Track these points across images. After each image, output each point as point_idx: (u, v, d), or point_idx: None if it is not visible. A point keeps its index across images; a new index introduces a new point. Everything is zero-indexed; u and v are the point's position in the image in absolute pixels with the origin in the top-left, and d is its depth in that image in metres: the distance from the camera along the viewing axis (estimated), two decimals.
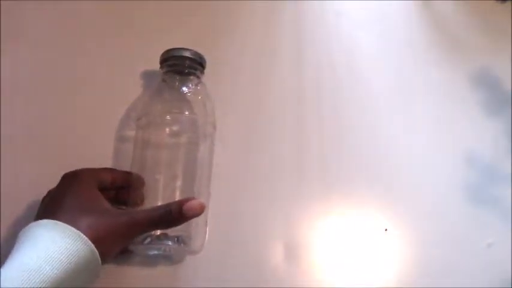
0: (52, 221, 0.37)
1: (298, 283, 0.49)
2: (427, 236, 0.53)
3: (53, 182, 0.43)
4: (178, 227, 0.42)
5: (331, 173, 0.55)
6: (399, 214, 0.53)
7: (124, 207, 0.46)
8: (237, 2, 0.64)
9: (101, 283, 0.40)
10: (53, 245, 0.35)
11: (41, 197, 0.44)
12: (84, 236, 0.36)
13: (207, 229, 0.47)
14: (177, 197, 0.45)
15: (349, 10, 0.67)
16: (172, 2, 0.62)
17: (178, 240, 0.44)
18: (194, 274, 0.48)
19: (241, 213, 0.51)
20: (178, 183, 0.46)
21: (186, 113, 0.48)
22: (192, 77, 0.49)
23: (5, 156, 0.49)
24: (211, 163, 0.49)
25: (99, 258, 0.37)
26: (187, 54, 0.49)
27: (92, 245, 0.37)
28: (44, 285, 0.33)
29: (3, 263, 0.35)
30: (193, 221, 0.42)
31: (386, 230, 0.52)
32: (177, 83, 0.49)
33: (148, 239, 0.43)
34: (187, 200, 0.40)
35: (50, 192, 0.43)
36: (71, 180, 0.42)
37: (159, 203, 0.43)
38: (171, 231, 0.44)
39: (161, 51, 0.50)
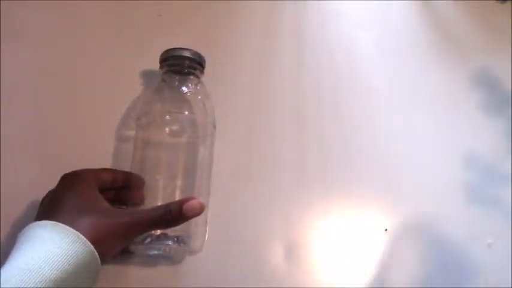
0: (51, 221, 0.37)
1: (298, 283, 0.49)
2: (427, 236, 0.53)
3: (52, 182, 0.43)
4: (178, 227, 0.42)
5: (331, 173, 0.55)
6: (399, 214, 0.53)
7: (124, 207, 0.46)
8: (237, 2, 0.64)
9: (101, 283, 0.40)
10: (52, 245, 0.35)
11: (41, 197, 0.44)
12: (83, 237, 0.36)
13: (207, 229, 0.47)
14: (177, 196, 0.45)
15: (349, 10, 0.67)
16: (172, 2, 0.62)
17: (178, 240, 0.44)
18: (194, 274, 0.48)
19: (241, 213, 0.51)
20: (178, 183, 0.46)
21: (186, 112, 0.48)
22: (191, 77, 0.49)
23: (5, 156, 0.49)
24: (211, 163, 0.49)
25: (99, 259, 0.37)
26: (186, 54, 0.49)
27: (91, 246, 0.37)
28: (43, 286, 0.33)
29: (3, 263, 0.35)
30: (193, 220, 0.42)
31: (386, 230, 0.52)
32: (176, 83, 0.49)
33: (148, 239, 0.43)
34: (187, 199, 0.40)
35: (49, 193, 0.43)
36: (71, 180, 0.42)
37: (159, 203, 0.43)
38: (171, 231, 0.44)
39: (161, 51, 0.50)
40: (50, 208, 0.40)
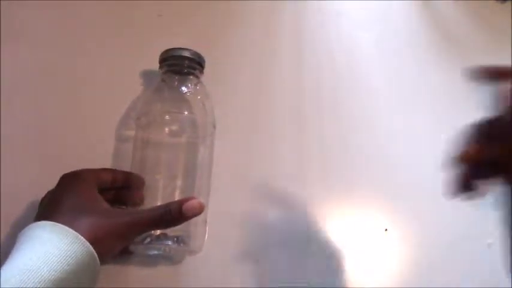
0: (50, 222, 0.37)
1: (298, 283, 0.49)
2: (427, 236, 0.53)
3: (52, 182, 0.43)
4: (178, 227, 0.42)
5: (331, 173, 0.55)
6: (399, 214, 0.53)
7: (124, 208, 0.46)
8: (237, 2, 0.64)
9: (101, 283, 0.40)
10: (51, 246, 0.35)
11: (40, 197, 0.44)
12: (82, 238, 0.36)
13: (207, 229, 0.47)
14: (177, 196, 0.45)
15: (349, 10, 0.67)
16: (172, 2, 0.62)
17: (178, 240, 0.44)
18: (194, 274, 0.48)
19: (241, 213, 0.51)
20: (178, 183, 0.46)
21: (185, 112, 0.48)
22: (191, 77, 0.49)
23: (5, 156, 0.49)
24: (211, 163, 0.49)
25: (98, 260, 0.37)
26: (186, 54, 0.49)
27: (90, 247, 0.37)
28: (42, 286, 0.33)
29: (3, 263, 0.35)
30: (193, 220, 0.42)
31: (386, 230, 0.52)
32: (176, 83, 0.49)
33: (148, 239, 0.43)
34: (186, 199, 0.40)
35: (49, 193, 0.43)
36: (70, 180, 0.42)
37: (159, 203, 0.43)
38: (171, 231, 0.44)
39: (161, 51, 0.50)
40: (49, 208, 0.40)
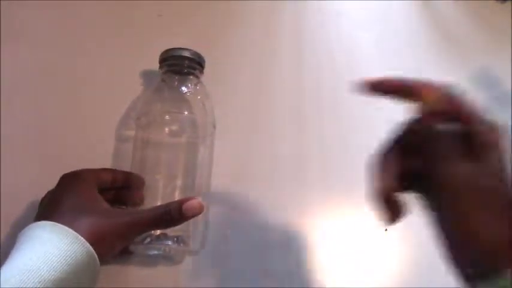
0: (50, 222, 0.37)
1: (298, 283, 0.49)
2: (427, 236, 0.53)
3: (52, 182, 0.43)
4: (178, 227, 0.42)
5: (331, 172, 0.55)
6: None
7: (124, 208, 0.46)
8: (237, 2, 0.64)
9: (101, 283, 0.40)
10: (51, 246, 0.35)
11: (40, 197, 0.44)
12: (82, 238, 0.36)
13: (207, 229, 0.47)
14: (177, 196, 0.45)
15: (349, 10, 0.67)
16: (172, 2, 0.62)
17: (178, 240, 0.44)
18: (194, 274, 0.48)
19: (241, 213, 0.51)
20: (178, 183, 0.46)
21: (185, 112, 0.48)
22: (191, 77, 0.49)
23: (5, 156, 0.49)
24: (211, 163, 0.49)
25: (97, 260, 0.37)
26: (186, 54, 0.49)
27: (90, 247, 0.37)
28: (41, 286, 0.33)
29: (3, 263, 0.35)
30: (193, 220, 0.42)
31: (386, 230, 0.52)
32: (176, 83, 0.49)
33: (148, 239, 0.43)
34: (186, 199, 0.40)
35: (49, 193, 0.43)
36: (70, 180, 0.42)
37: (159, 203, 0.43)
38: (171, 231, 0.44)
39: (161, 51, 0.50)
40: (49, 208, 0.40)
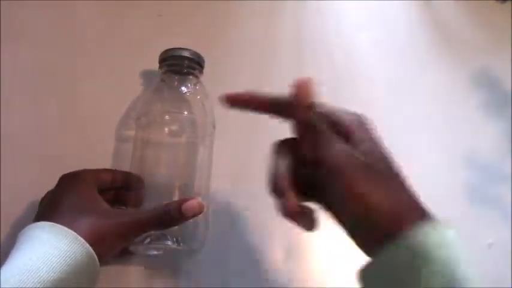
0: (50, 223, 0.37)
1: (298, 283, 0.49)
2: None
3: (52, 182, 0.43)
4: (178, 227, 0.42)
5: None
6: None
7: (123, 208, 0.46)
8: (237, 2, 0.64)
9: (101, 283, 0.40)
10: (50, 247, 0.35)
11: (40, 197, 0.44)
12: (81, 238, 0.36)
13: (207, 229, 0.47)
14: (177, 196, 0.45)
15: (349, 10, 0.67)
16: (172, 2, 0.62)
17: (178, 240, 0.44)
18: (194, 274, 0.48)
19: (241, 213, 0.51)
20: (178, 183, 0.46)
21: (185, 112, 0.48)
22: (190, 77, 0.49)
23: (4, 156, 0.49)
24: (211, 163, 0.49)
25: (97, 260, 0.37)
26: (185, 54, 0.49)
27: (89, 247, 0.37)
28: (41, 286, 0.33)
29: (3, 263, 0.35)
30: (193, 220, 0.42)
31: None
32: (176, 83, 0.49)
33: (148, 239, 0.43)
34: (186, 199, 0.40)
35: (48, 193, 0.43)
36: (70, 181, 0.42)
37: (159, 203, 0.43)
38: (171, 231, 0.44)
39: (161, 51, 0.50)
40: (49, 209, 0.40)
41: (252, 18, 0.64)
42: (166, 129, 0.47)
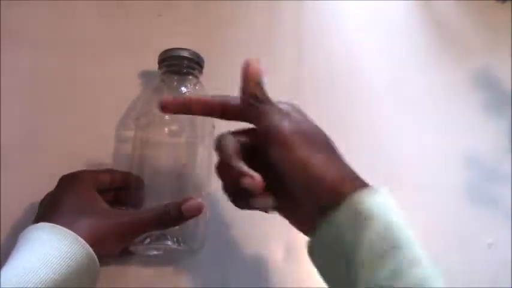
0: (49, 224, 0.37)
1: (298, 283, 0.49)
2: (427, 236, 0.53)
3: (52, 183, 0.43)
4: (178, 227, 0.42)
5: None
6: None
7: (123, 208, 0.46)
8: (237, 2, 0.64)
9: (102, 283, 0.40)
10: (50, 248, 0.35)
11: (40, 198, 0.44)
12: (81, 239, 0.37)
13: (207, 229, 0.47)
14: (176, 197, 0.45)
15: (349, 10, 0.67)
16: (173, 2, 0.62)
17: (178, 240, 0.44)
18: (194, 274, 0.48)
19: (241, 213, 0.51)
20: (178, 183, 0.46)
21: None
22: (190, 77, 0.49)
23: (5, 156, 0.49)
24: (211, 162, 0.49)
25: (97, 261, 0.37)
26: (185, 54, 0.49)
27: (90, 248, 0.37)
28: (41, 286, 0.33)
29: (3, 264, 0.35)
30: (193, 220, 0.42)
31: None
32: (175, 83, 0.49)
33: (148, 240, 0.43)
34: (186, 200, 0.40)
35: (48, 195, 0.43)
36: (69, 182, 0.42)
37: (158, 204, 0.43)
38: (171, 231, 0.44)
39: (161, 52, 0.50)
40: (48, 210, 0.40)
41: (252, 18, 0.64)
42: (165, 129, 0.47)
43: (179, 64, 0.49)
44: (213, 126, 0.50)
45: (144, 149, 0.47)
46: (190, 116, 0.41)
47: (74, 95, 0.54)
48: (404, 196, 0.54)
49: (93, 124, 0.53)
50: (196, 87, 0.50)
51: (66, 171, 0.44)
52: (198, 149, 0.47)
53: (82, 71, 0.56)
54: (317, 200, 0.34)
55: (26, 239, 0.37)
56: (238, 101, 0.39)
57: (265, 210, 0.37)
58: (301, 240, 0.51)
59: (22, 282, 0.33)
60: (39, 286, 0.33)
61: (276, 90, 0.58)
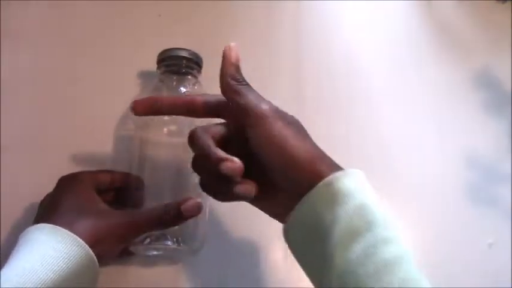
0: (49, 225, 0.37)
1: (298, 283, 0.49)
2: (427, 235, 0.53)
3: (52, 183, 0.43)
4: (178, 227, 0.42)
5: None
6: (399, 214, 0.53)
7: (123, 208, 0.46)
8: (237, 2, 0.64)
9: (101, 283, 0.40)
10: (50, 249, 0.35)
11: (40, 198, 0.44)
12: (81, 240, 0.37)
13: (207, 229, 0.47)
14: (176, 197, 0.45)
15: (349, 10, 0.67)
16: (172, 2, 0.62)
17: (178, 240, 0.44)
18: (194, 274, 0.48)
19: (241, 212, 0.51)
20: (177, 183, 0.46)
21: None
22: (189, 77, 0.49)
23: (4, 157, 0.49)
24: None
25: (97, 262, 0.37)
26: (184, 54, 0.49)
27: (89, 249, 0.37)
28: (40, 287, 0.33)
29: (3, 265, 0.35)
30: (193, 220, 0.42)
31: None
32: (174, 83, 0.49)
33: (148, 240, 0.43)
34: (185, 199, 0.40)
35: (48, 196, 0.44)
36: (68, 182, 0.42)
37: (158, 204, 0.43)
38: (171, 232, 0.44)
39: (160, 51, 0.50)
40: (48, 211, 0.40)
41: (252, 18, 0.64)
42: (165, 129, 0.47)
43: (178, 64, 0.49)
44: None
45: (143, 149, 0.47)
46: None
47: (74, 94, 0.54)
48: (404, 196, 0.55)
49: (93, 124, 0.53)
50: (195, 87, 0.50)
51: (66, 171, 0.44)
52: None
53: (82, 71, 0.56)
54: (296, 179, 0.34)
55: (25, 239, 0.37)
56: (204, 98, 0.41)
57: (247, 198, 0.37)
58: None
59: (22, 283, 0.33)
60: (39, 286, 0.33)
61: (276, 90, 0.59)
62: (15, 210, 0.47)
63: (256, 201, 0.39)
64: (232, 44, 0.41)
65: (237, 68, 0.40)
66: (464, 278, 0.51)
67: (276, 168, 0.35)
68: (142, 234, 0.42)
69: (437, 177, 0.57)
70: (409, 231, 0.53)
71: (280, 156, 0.35)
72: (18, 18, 0.58)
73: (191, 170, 0.38)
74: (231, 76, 0.39)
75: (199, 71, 0.50)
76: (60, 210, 0.39)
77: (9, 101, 0.52)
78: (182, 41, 0.51)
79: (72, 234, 0.37)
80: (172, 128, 0.47)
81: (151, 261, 0.47)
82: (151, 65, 0.51)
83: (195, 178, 0.46)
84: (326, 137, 0.56)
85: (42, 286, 0.33)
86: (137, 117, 0.49)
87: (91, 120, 0.53)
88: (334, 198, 0.33)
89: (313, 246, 0.34)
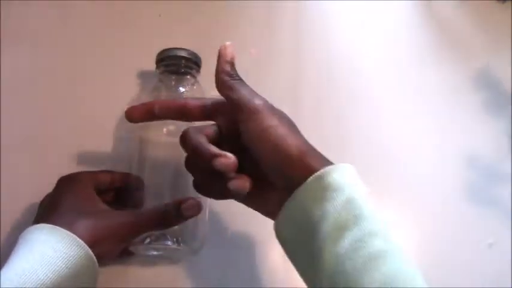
0: (48, 225, 0.37)
1: (298, 283, 0.49)
2: (427, 236, 0.53)
3: (52, 183, 0.43)
4: (178, 227, 0.42)
5: None
6: (399, 214, 0.53)
7: (123, 209, 0.46)
8: (237, 2, 0.64)
9: (101, 283, 0.40)
10: (49, 249, 0.35)
11: (40, 199, 0.44)
12: (80, 240, 0.37)
13: (207, 229, 0.47)
14: (175, 196, 0.45)
15: (349, 10, 0.67)
16: (172, 2, 0.62)
17: (178, 240, 0.44)
18: (194, 274, 0.48)
19: (241, 213, 0.51)
20: (177, 183, 0.46)
21: None
22: (188, 77, 0.49)
23: (4, 157, 0.49)
24: None
25: (96, 262, 0.37)
26: (182, 53, 0.49)
27: (89, 250, 0.37)
28: (39, 287, 0.33)
29: (3, 265, 0.35)
30: (193, 220, 0.42)
31: None
32: (173, 83, 0.49)
33: (148, 240, 0.43)
34: (185, 199, 0.40)
35: (47, 196, 0.44)
36: (68, 182, 0.42)
37: (158, 204, 0.43)
38: (171, 231, 0.44)
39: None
40: (47, 211, 0.40)
41: (252, 18, 0.64)
42: (164, 129, 0.47)
43: (177, 64, 0.49)
44: None
45: (143, 149, 0.47)
46: None
47: (73, 95, 0.54)
48: (404, 196, 0.54)
49: (93, 124, 0.53)
50: (194, 87, 0.50)
51: (66, 171, 0.44)
52: None
53: (82, 71, 0.56)
54: (287, 173, 0.35)
55: (25, 239, 0.37)
56: (197, 102, 0.41)
57: (242, 194, 0.37)
58: None
59: (21, 283, 0.33)
60: (39, 287, 0.33)
61: (276, 90, 0.59)
62: (15, 210, 0.47)
63: (249, 199, 0.39)
64: (228, 43, 0.41)
65: (232, 65, 0.40)
66: (464, 278, 0.51)
67: (268, 163, 0.36)
68: (142, 234, 0.42)
69: (437, 177, 0.56)
70: (409, 231, 0.53)
71: (272, 150, 0.35)
72: (18, 18, 0.58)
73: None
74: (225, 73, 0.40)
75: (198, 71, 0.50)
76: (59, 210, 0.39)
77: (9, 101, 0.52)
78: (182, 41, 0.51)
79: (72, 234, 0.37)
80: (172, 128, 0.47)
81: (151, 261, 0.47)
82: (151, 65, 0.51)
83: None
84: (326, 136, 0.57)
85: (42, 286, 0.33)
86: None
87: (91, 120, 0.53)
88: (323, 193, 0.33)
89: (303, 243, 0.34)
